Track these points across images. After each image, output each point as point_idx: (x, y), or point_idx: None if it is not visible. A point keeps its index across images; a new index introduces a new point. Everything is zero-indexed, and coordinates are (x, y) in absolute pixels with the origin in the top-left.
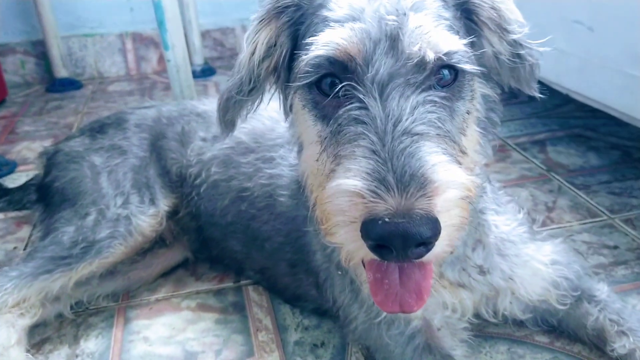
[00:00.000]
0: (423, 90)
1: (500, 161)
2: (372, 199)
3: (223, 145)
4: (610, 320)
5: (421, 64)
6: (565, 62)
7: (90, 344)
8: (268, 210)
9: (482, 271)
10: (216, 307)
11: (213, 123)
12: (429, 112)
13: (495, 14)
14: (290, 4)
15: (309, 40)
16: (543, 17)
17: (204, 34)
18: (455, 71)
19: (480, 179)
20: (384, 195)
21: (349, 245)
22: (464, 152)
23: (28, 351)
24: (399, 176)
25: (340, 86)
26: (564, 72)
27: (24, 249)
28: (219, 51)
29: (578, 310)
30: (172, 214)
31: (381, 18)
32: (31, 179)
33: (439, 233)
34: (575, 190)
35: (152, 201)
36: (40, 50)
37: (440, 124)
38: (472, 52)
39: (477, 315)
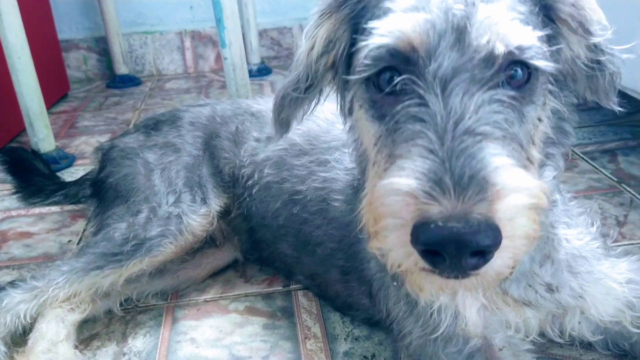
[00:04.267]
0: (490, 88)
1: (567, 170)
2: (425, 200)
3: (276, 146)
4: None
5: (489, 58)
6: None
7: (138, 343)
8: (321, 215)
9: (550, 289)
10: (264, 311)
11: (267, 123)
12: (496, 112)
13: (576, 12)
14: None
15: (369, 27)
16: (622, 15)
17: (262, 33)
18: (529, 70)
19: (551, 190)
20: (439, 197)
21: (398, 250)
22: (531, 162)
23: (76, 347)
24: (457, 177)
25: (398, 79)
26: None
27: (78, 243)
28: (275, 50)
29: None
30: (224, 214)
31: (448, 8)
32: (87, 174)
33: (499, 242)
34: None
35: (204, 200)
36: (102, 47)
37: (507, 126)
38: (548, 49)
39: (541, 334)
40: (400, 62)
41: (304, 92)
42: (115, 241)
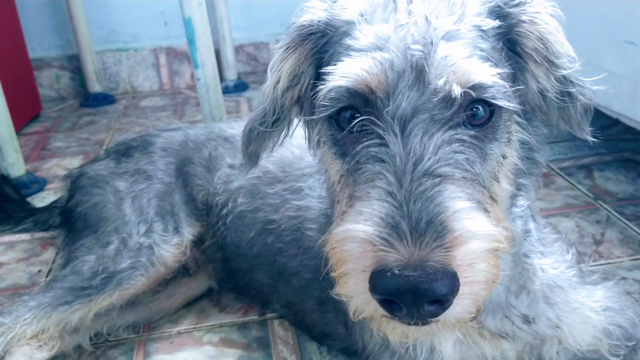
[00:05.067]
0: (450, 128)
1: (544, 187)
2: (382, 247)
3: (250, 174)
4: None
5: (448, 98)
6: (616, 84)
7: None
8: (295, 245)
9: (526, 320)
10: (240, 342)
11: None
12: (456, 152)
13: (542, 46)
14: (315, 30)
15: (328, 69)
16: (592, 38)
17: (238, 49)
18: (491, 108)
19: (523, 220)
20: (396, 243)
21: (358, 297)
22: (494, 200)
23: None
24: (415, 223)
25: (356, 121)
26: (614, 95)
27: (48, 273)
28: (252, 66)
29: None
30: (197, 243)
31: (407, 47)
32: (56, 200)
33: (457, 290)
34: (626, 221)
35: (177, 230)
36: (75, 65)
37: (468, 166)
38: (512, 87)
39: None
40: (359, 102)
41: (271, 125)
42: (83, 275)
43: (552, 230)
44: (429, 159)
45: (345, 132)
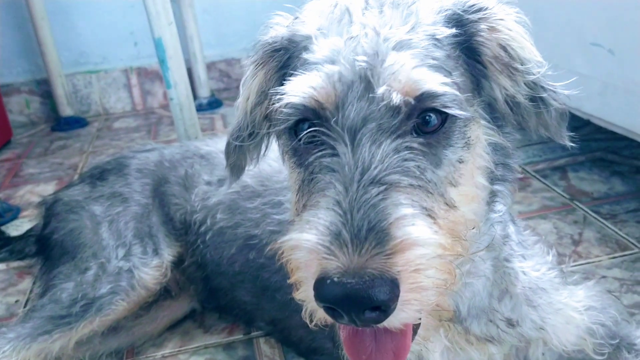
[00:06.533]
0: (399, 137)
1: (521, 190)
2: (325, 256)
3: (228, 189)
4: None
5: (393, 107)
6: (585, 86)
7: None
8: (278, 259)
9: (510, 324)
10: None
11: (217, 165)
12: (405, 159)
13: (504, 53)
14: (278, 47)
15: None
16: (560, 41)
17: (210, 66)
18: (443, 115)
19: (502, 225)
20: (337, 251)
21: (309, 304)
22: (450, 206)
23: None
24: (356, 230)
25: (305, 132)
26: (584, 97)
27: (26, 303)
28: (225, 82)
29: None
30: (177, 264)
31: (355, 59)
32: (31, 229)
33: (397, 296)
34: (602, 220)
35: (156, 251)
36: (44, 89)
37: (418, 173)
38: (472, 94)
39: None
40: (312, 115)
41: (247, 139)
42: (62, 303)
43: (531, 232)
44: (376, 167)
45: (300, 143)
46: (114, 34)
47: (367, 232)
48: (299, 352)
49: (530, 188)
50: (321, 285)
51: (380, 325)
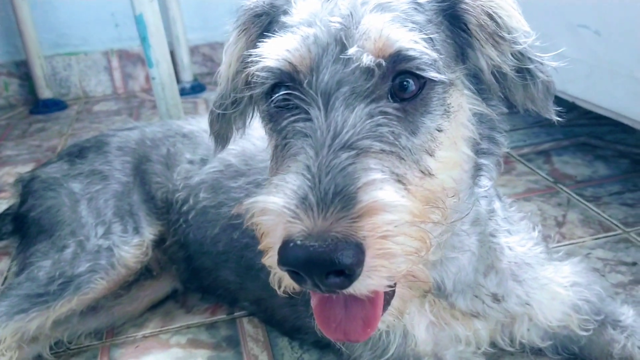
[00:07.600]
0: (373, 101)
1: (505, 174)
2: (290, 219)
3: (211, 168)
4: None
5: (367, 69)
6: (571, 69)
7: None
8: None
9: (496, 299)
10: (208, 342)
11: (200, 144)
12: (379, 124)
13: (489, 21)
14: (261, 12)
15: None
16: (546, 23)
17: (193, 50)
18: (421, 81)
19: (488, 200)
20: (302, 215)
21: (275, 269)
22: (426, 174)
23: None
24: (323, 194)
25: (277, 95)
26: (569, 79)
27: (2, 283)
28: (208, 66)
29: (602, 336)
30: (159, 243)
31: (329, 21)
32: (8, 208)
33: (362, 261)
34: (585, 202)
35: (136, 230)
36: (23, 71)
37: (391, 139)
38: (448, 60)
39: (492, 344)
40: (287, 78)
41: (230, 107)
42: (39, 281)
43: (517, 208)
44: (348, 132)
45: (274, 107)
46: (95, 15)
47: (333, 195)
48: (283, 331)
49: (514, 171)
50: (284, 249)
51: (346, 292)
